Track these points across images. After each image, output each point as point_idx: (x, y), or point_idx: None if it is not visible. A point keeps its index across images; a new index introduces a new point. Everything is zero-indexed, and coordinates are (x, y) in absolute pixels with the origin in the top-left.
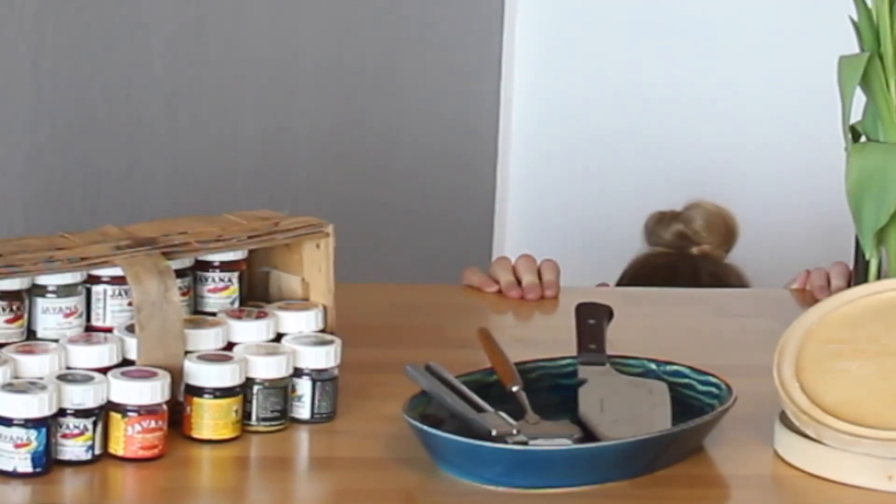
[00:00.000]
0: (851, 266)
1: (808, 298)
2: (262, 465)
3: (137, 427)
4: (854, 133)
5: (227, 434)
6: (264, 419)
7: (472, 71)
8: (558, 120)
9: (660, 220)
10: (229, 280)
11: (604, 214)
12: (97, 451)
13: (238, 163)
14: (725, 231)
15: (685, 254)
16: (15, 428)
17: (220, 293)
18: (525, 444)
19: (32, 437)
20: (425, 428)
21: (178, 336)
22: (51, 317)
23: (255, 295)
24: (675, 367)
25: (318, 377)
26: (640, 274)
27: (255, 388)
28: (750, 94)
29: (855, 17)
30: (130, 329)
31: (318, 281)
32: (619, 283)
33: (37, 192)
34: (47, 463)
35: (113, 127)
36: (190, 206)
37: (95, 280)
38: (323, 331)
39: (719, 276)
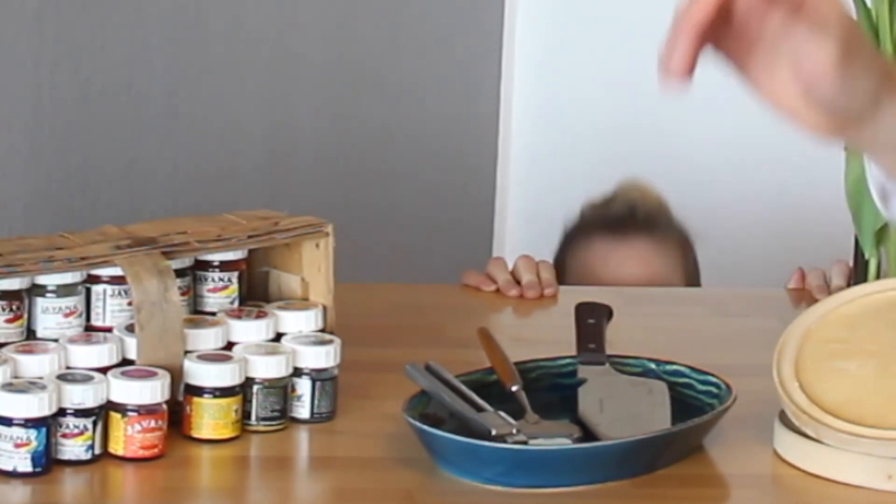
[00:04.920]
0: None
1: (806, 298)
2: (261, 464)
3: (137, 427)
4: None
5: (226, 434)
6: (264, 419)
7: (472, 71)
8: (558, 120)
9: (595, 205)
10: (229, 280)
11: None
12: (97, 451)
13: (238, 162)
14: (658, 203)
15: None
16: (15, 428)
17: (219, 293)
18: (525, 443)
19: (32, 436)
20: (425, 428)
21: (178, 336)
22: (50, 316)
23: (255, 295)
24: (674, 367)
25: (318, 377)
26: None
27: (255, 387)
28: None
29: (855, 18)
30: (130, 329)
31: (318, 281)
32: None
33: (37, 192)
34: (47, 463)
35: (113, 127)
36: (190, 205)
37: (95, 280)
38: (323, 330)
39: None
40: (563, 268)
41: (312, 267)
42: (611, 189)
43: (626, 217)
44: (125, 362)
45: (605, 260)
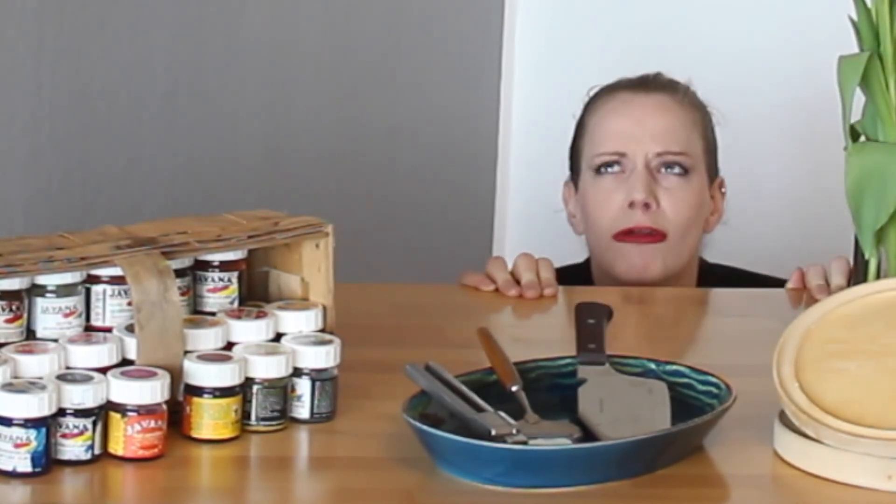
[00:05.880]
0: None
1: (806, 298)
2: (261, 464)
3: (137, 427)
4: (854, 133)
5: (226, 434)
6: (264, 419)
7: (472, 71)
8: (558, 120)
9: None
10: (229, 280)
11: None
12: (97, 451)
13: (238, 162)
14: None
15: None
16: (15, 428)
17: (219, 293)
18: (525, 443)
19: (32, 436)
20: (425, 428)
21: (178, 336)
22: (50, 317)
23: (255, 295)
24: (674, 367)
25: (318, 377)
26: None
27: (255, 387)
28: (750, 93)
29: (855, 17)
30: (130, 329)
31: (318, 281)
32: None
33: (37, 192)
34: (47, 463)
35: (113, 127)
36: (190, 206)
37: (95, 280)
38: (322, 330)
39: None
40: (584, 130)
41: (312, 267)
42: None
43: (649, 77)
44: (125, 362)
45: (628, 107)
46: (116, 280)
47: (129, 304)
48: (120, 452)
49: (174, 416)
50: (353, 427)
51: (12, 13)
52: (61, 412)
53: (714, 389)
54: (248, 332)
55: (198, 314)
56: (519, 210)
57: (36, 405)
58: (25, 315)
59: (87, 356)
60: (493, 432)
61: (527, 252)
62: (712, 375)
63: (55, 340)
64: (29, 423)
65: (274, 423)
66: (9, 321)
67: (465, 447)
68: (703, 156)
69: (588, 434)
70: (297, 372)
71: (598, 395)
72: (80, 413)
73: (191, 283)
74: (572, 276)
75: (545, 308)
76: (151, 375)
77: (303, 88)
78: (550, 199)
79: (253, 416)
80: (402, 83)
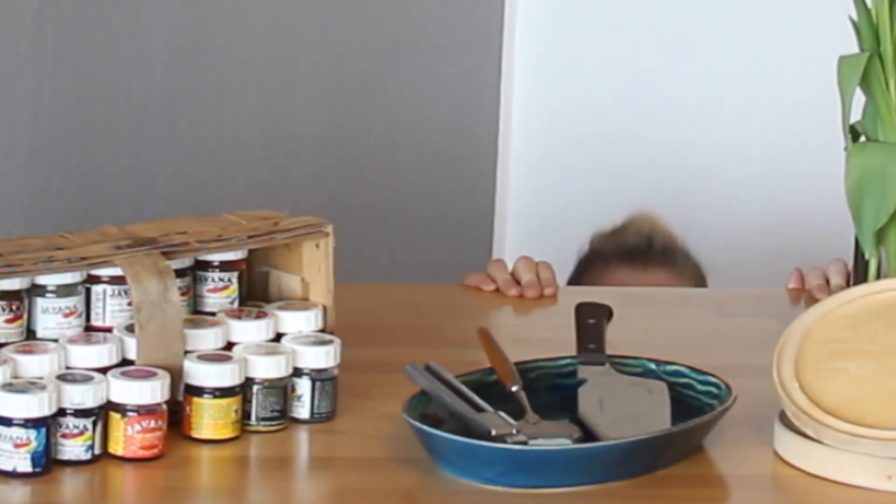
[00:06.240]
0: (850, 264)
1: (806, 298)
2: (261, 465)
3: (137, 427)
4: (854, 133)
5: (226, 434)
6: (264, 419)
7: (472, 71)
8: (558, 120)
9: (607, 235)
10: (229, 280)
11: (604, 215)
12: (97, 451)
13: (238, 163)
14: (672, 235)
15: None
16: (14, 428)
17: (219, 293)
18: (525, 443)
19: (32, 436)
20: (425, 428)
21: (178, 336)
22: (50, 317)
23: (255, 295)
24: (674, 367)
25: (318, 377)
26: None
27: (255, 387)
28: (750, 93)
29: (855, 17)
30: (130, 329)
31: (318, 281)
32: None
33: (37, 192)
34: (47, 463)
35: (113, 127)
36: (190, 206)
37: (95, 280)
38: (322, 330)
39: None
40: None
41: (312, 267)
42: (620, 220)
43: (643, 247)
44: (125, 362)
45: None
46: (116, 280)
47: (129, 304)
48: (120, 452)
49: (174, 416)
50: (353, 427)
51: (12, 13)
52: (61, 412)
53: (714, 389)
54: (248, 332)
55: (198, 314)
56: (519, 210)
57: (36, 405)
58: (25, 315)
59: (87, 356)
60: (493, 432)
61: (527, 255)
62: (712, 375)
63: (55, 340)
64: (29, 423)
65: (274, 423)
66: (9, 321)
67: (465, 447)
68: None
69: (588, 434)
70: (297, 372)
71: (598, 395)
72: (80, 413)
73: (191, 283)
74: None
75: (545, 308)
76: (151, 375)
77: (303, 87)
78: (551, 199)
79: (253, 416)
80: (402, 83)
